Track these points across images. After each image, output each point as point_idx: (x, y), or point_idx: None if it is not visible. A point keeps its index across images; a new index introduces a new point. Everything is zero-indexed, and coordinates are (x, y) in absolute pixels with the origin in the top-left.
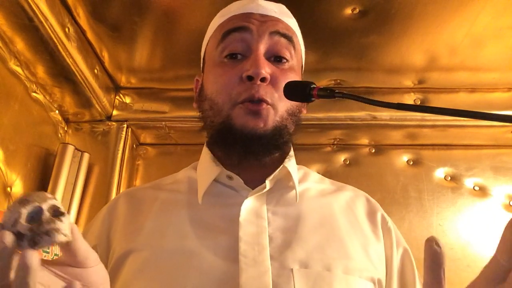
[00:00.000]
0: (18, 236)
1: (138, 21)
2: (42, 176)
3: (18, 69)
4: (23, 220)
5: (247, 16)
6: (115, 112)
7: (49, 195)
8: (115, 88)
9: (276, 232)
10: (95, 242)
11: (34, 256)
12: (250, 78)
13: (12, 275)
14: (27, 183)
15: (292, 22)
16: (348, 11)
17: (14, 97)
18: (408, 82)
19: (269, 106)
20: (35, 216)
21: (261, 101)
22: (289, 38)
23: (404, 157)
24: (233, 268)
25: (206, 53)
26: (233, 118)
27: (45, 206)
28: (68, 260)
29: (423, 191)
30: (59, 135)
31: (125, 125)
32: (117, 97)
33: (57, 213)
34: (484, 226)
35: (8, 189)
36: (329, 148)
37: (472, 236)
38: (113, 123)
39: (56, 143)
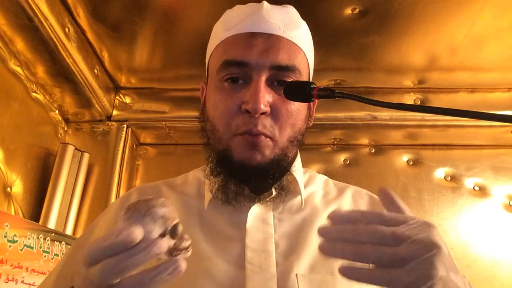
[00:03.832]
0: None
1: (138, 21)
2: (42, 176)
3: (18, 69)
4: (168, 234)
5: (249, 41)
6: (115, 112)
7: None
8: (115, 88)
9: (282, 239)
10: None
11: (184, 265)
12: (249, 111)
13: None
14: (27, 183)
15: (298, 33)
16: (348, 11)
17: (14, 97)
18: (408, 82)
19: (268, 138)
20: (173, 231)
21: (260, 135)
22: (291, 68)
23: (404, 157)
24: (241, 275)
25: (209, 65)
26: (232, 149)
27: (179, 224)
28: None
29: (423, 191)
30: (59, 135)
31: (125, 125)
32: (117, 97)
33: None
34: (484, 226)
35: (8, 189)
36: (329, 148)
37: (472, 236)
38: (113, 123)
39: (56, 143)
